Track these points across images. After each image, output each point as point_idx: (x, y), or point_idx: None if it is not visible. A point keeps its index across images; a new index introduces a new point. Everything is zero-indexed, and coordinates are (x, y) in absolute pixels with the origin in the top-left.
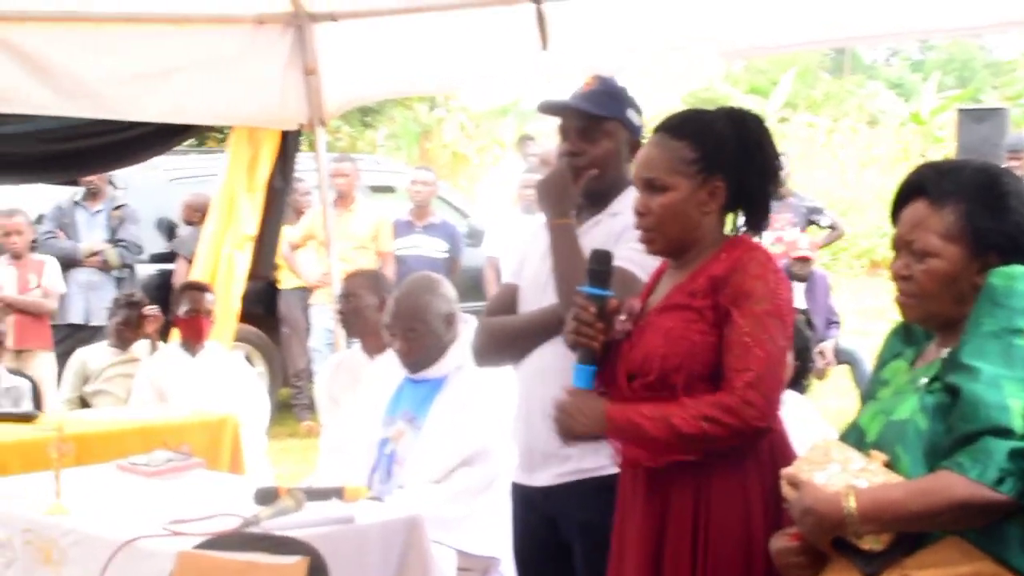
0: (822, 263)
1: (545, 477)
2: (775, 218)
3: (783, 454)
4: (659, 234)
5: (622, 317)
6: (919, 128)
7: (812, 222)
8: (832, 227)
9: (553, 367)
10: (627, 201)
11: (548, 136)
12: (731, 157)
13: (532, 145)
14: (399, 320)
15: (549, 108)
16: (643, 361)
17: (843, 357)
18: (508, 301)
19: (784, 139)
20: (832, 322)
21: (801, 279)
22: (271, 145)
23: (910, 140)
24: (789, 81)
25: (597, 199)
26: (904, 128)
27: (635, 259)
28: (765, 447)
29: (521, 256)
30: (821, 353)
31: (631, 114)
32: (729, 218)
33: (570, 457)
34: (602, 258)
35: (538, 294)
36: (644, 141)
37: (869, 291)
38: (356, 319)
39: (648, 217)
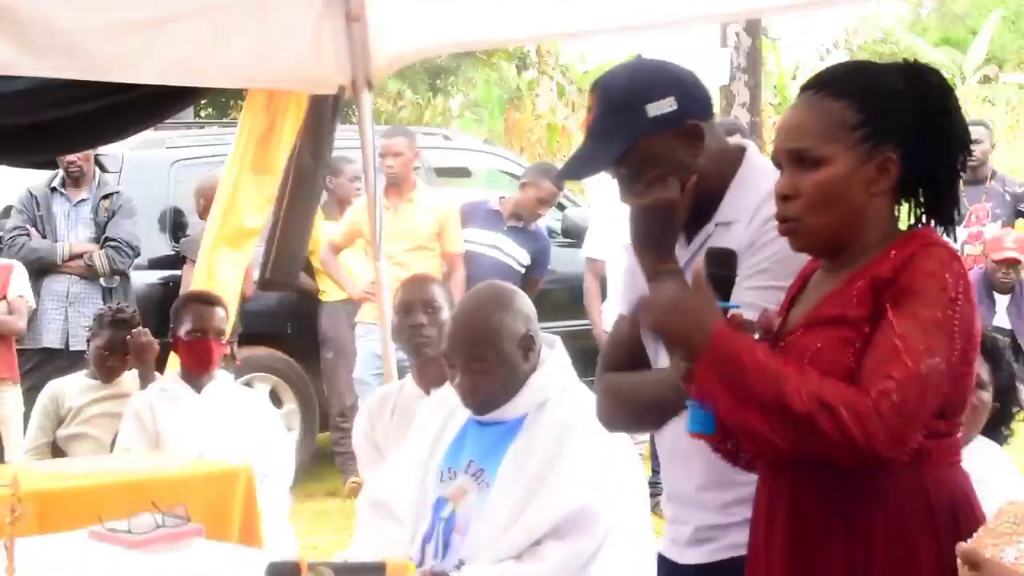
0: None
1: (697, 554)
2: (971, 209)
3: (968, 522)
4: (810, 224)
5: (756, 336)
6: None
7: (1022, 214)
8: None
9: None
10: (736, 204)
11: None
12: (907, 122)
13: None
14: (462, 347)
15: (569, 177)
16: None
17: None
18: (630, 343)
19: (986, 105)
20: None
21: (1005, 289)
22: (295, 114)
23: None
24: (992, 29)
25: (694, 214)
26: None
27: (759, 303)
28: (945, 507)
29: (633, 281)
30: None
31: (655, 107)
32: (905, 208)
33: (728, 529)
34: (723, 259)
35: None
36: (698, 121)
37: None
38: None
39: (795, 202)
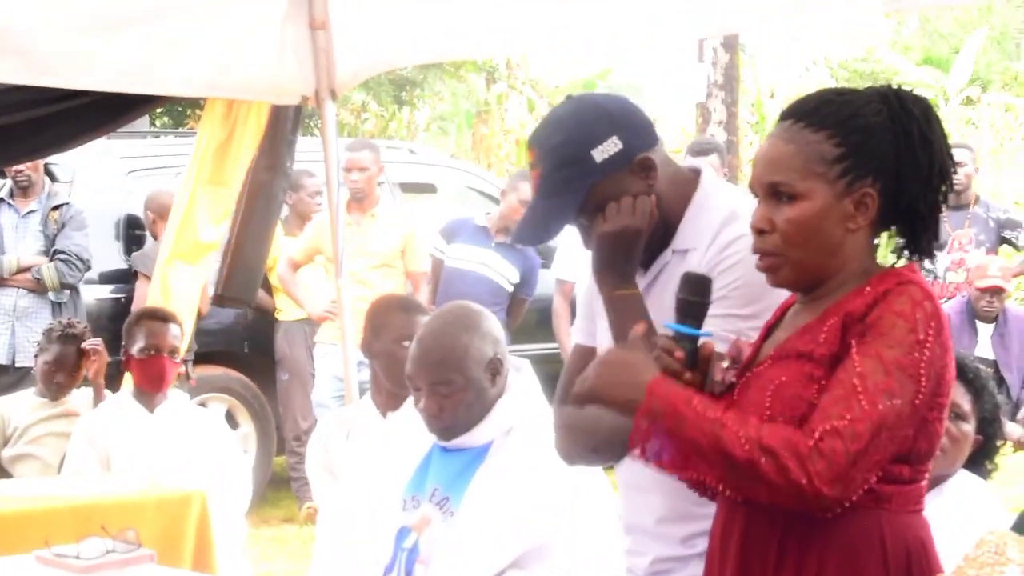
0: (1017, 297)
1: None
2: (954, 235)
3: (922, 567)
4: (786, 259)
5: (724, 364)
6: None
7: (1006, 240)
8: None
9: None
10: (693, 231)
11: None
12: (888, 155)
13: (701, 143)
14: (427, 370)
15: (525, 242)
16: None
17: None
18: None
19: (969, 127)
20: None
21: (989, 318)
22: (256, 124)
23: None
24: (977, 48)
25: (650, 240)
26: None
27: (728, 330)
28: (900, 554)
29: (590, 310)
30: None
31: (601, 152)
32: (884, 238)
33: (688, 561)
34: (697, 285)
35: None
36: (648, 154)
37: None
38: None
39: (771, 236)
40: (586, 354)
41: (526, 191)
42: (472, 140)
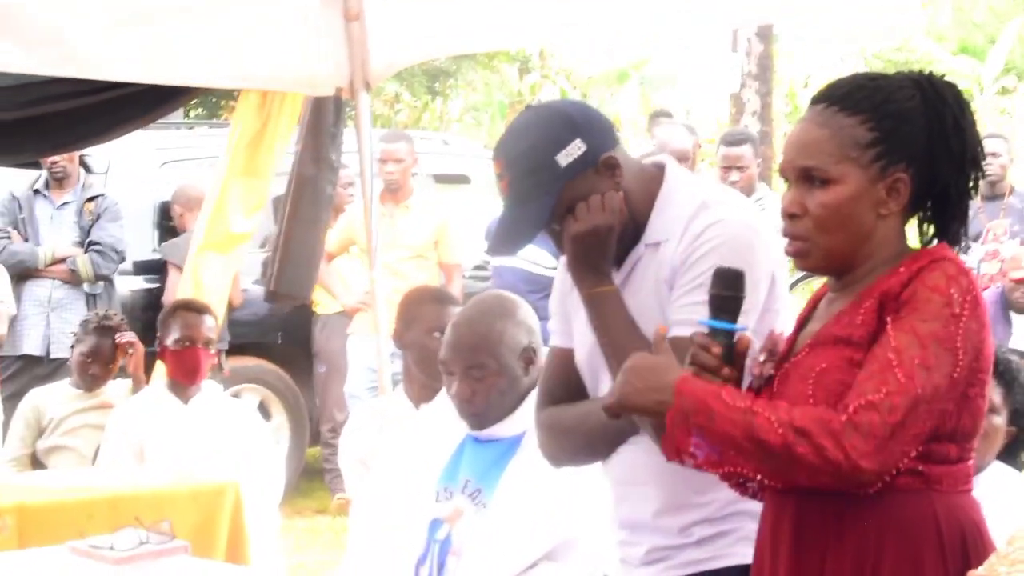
0: None
1: (650, 572)
2: (989, 226)
3: (978, 551)
4: (817, 244)
5: (760, 358)
6: None
7: None
8: None
9: None
10: (664, 223)
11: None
12: (921, 141)
13: (666, 126)
14: (461, 354)
15: (499, 252)
16: None
17: None
18: (568, 375)
19: (1004, 117)
20: None
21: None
22: (289, 116)
23: None
24: (1012, 37)
25: (618, 245)
26: None
27: (696, 319)
28: (955, 535)
29: (564, 310)
30: None
31: (565, 156)
32: (914, 222)
33: (684, 549)
34: (730, 279)
35: (589, 359)
36: (611, 153)
37: None
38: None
39: (803, 221)
40: (563, 356)
41: None
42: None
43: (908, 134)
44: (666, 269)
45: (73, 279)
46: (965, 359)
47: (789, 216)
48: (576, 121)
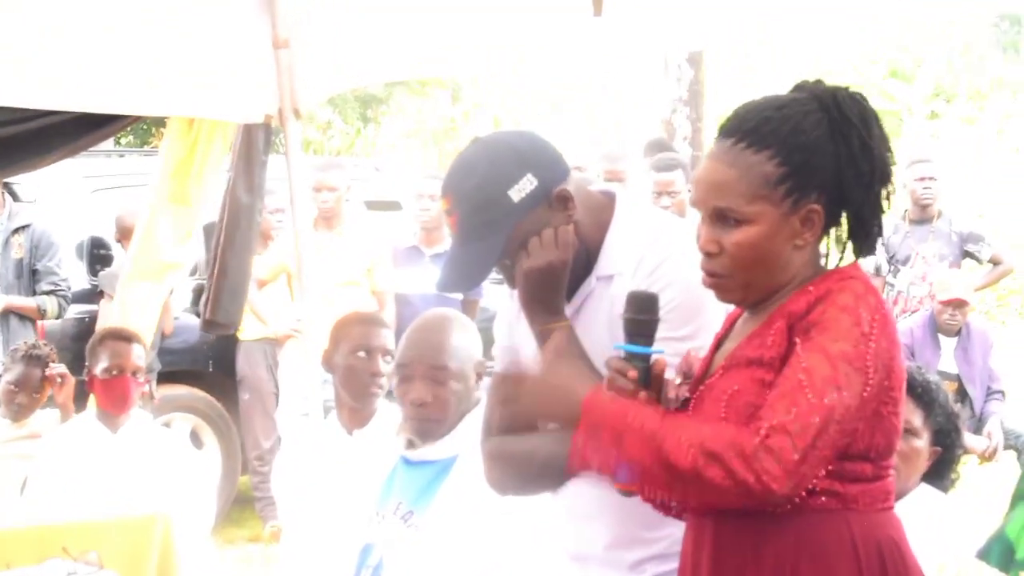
0: (982, 311)
1: None
2: (917, 250)
3: (896, 568)
4: (734, 279)
5: (677, 380)
6: None
7: (969, 254)
8: (995, 262)
9: None
10: (615, 257)
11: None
12: (829, 167)
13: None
14: (423, 354)
15: (451, 290)
16: None
17: (1009, 440)
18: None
19: (933, 140)
20: (994, 392)
21: (952, 331)
22: (220, 143)
23: None
24: (940, 61)
25: (573, 270)
26: None
27: (669, 353)
28: (872, 553)
29: (512, 338)
30: (988, 435)
31: (517, 191)
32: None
33: (644, 569)
34: (643, 303)
35: None
36: (563, 186)
37: None
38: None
39: (719, 258)
40: (513, 383)
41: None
42: (438, 157)
43: (817, 165)
44: (620, 305)
45: (35, 315)
46: (875, 377)
47: (706, 254)
48: (526, 155)
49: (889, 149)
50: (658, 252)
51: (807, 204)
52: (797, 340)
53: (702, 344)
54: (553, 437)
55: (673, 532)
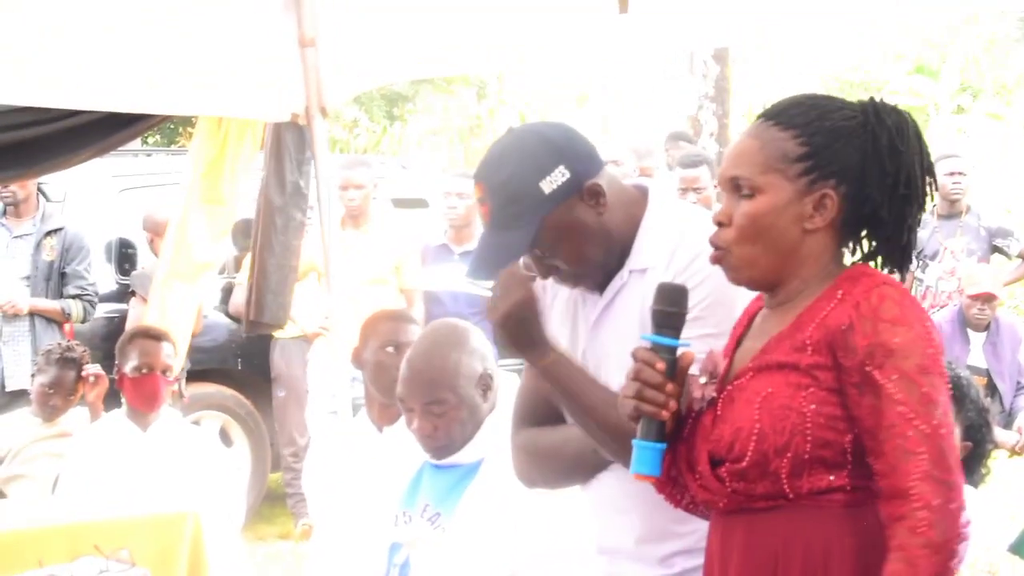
0: (1011, 306)
1: None
2: (946, 244)
3: None
4: (737, 255)
5: (702, 379)
6: None
7: (997, 249)
8: None
9: None
10: (649, 250)
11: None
12: (853, 159)
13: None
14: (419, 390)
15: (481, 277)
16: (732, 440)
17: None
18: (540, 396)
19: (960, 135)
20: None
21: (981, 326)
22: (249, 142)
23: None
24: (966, 56)
25: (598, 273)
26: None
27: (704, 351)
28: None
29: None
30: (1019, 430)
31: (549, 183)
32: (850, 249)
33: (673, 563)
34: (672, 295)
35: None
36: (596, 180)
37: None
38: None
39: (726, 230)
40: (537, 376)
41: (467, 189)
42: (464, 155)
43: (840, 151)
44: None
45: (60, 318)
46: (946, 373)
47: (717, 224)
48: (559, 146)
49: (924, 162)
50: (691, 247)
51: (822, 187)
52: (872, 372)
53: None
54: (574, 434)
55: (702, 526)
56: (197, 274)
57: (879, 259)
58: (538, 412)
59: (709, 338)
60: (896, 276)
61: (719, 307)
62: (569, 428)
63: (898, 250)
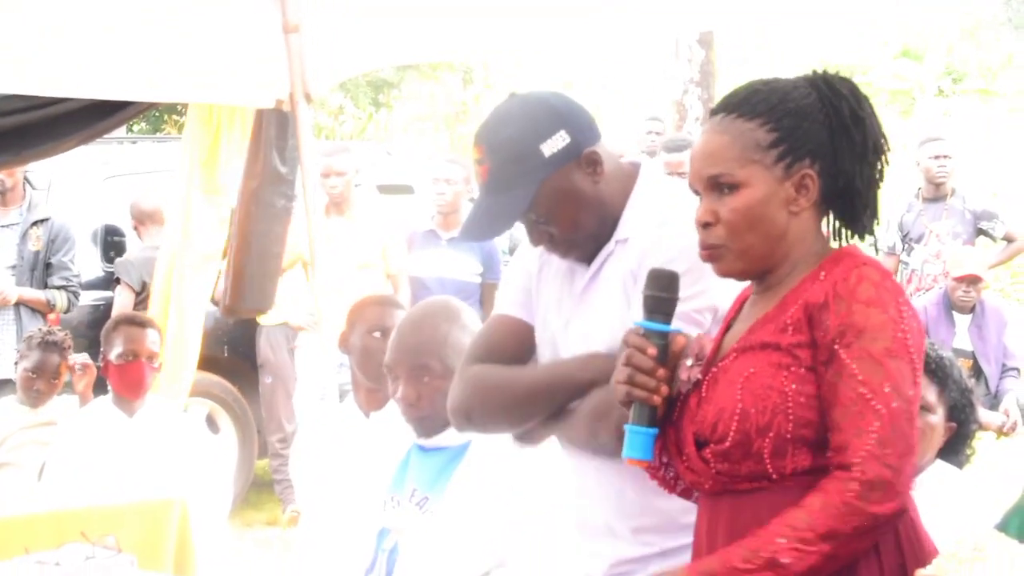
0: (995, 288)
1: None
2: (931, 227)
3: (911, 547)
4: (730, 249)
5: (688, 362)
6: None
7: (983, 232)
8: (1009, 239)
9: None
10: (635, 221)
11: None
12: (822, 135)
13: (676, 140)
14: (406, 356)
15: (476, 238)
16: (716, 421)
17: None
18: (506, 342)
19: (945, 119)
20: (1009, 369)
21: (966, 308)
22: (241, 129)
23: None
24: (951, 40)
25: (589, 242)
26: None
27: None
28: (888, 533)
29: (528, 285)
30: (1006, 412)
31: (549, 146)
32: (828, 220)
33: (648, 561)
34: (664, 281)
35: (551, 348)
36: (594, 148)
37: None
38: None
39: (716, 228)
40: (508, 323)
41: (454, 175)
42: (449, 141)
43: (808, 130)
44: (634, 260)
45: (44, 309)
46: (918, 358)
47: (703, 226)
48: (561, 112)
49: (881, 126)
50: (673, 216)
51: (800, 169)
52: (838, 350)
53: (709, 305)
54: (552, 371)
55: (681, 504)
56: (204, 265)
57: (849, 230)
58: (494, 353)
59: (702, 295)
60: (869, 239)
61: (692, 273)
62: (527, 368)
63: (868, 217)
